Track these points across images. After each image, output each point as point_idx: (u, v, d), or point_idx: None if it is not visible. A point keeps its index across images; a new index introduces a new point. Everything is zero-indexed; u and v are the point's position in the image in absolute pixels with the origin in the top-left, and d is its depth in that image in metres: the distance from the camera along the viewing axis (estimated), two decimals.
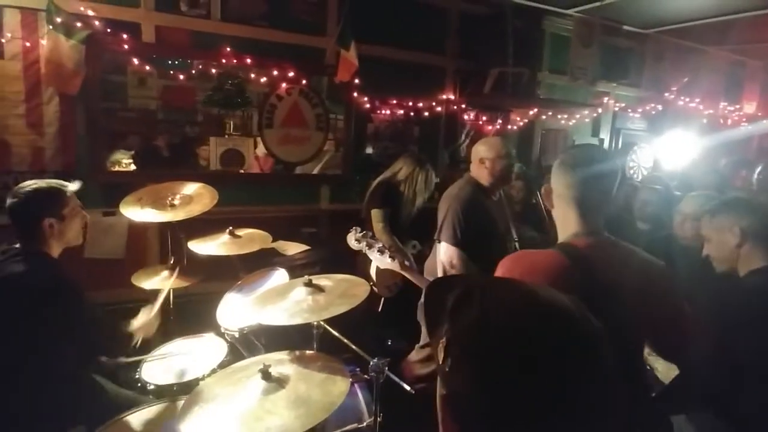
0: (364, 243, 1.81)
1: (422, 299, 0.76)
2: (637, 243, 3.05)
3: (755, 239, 1.63)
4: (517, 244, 2.51)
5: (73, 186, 1.79)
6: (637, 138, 5.47)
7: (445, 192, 2.43)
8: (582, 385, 0.53)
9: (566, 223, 1.29)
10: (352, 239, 1.88)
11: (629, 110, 5.18)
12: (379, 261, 1.81)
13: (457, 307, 0.60)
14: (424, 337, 2.53)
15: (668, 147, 5.37)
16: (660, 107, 5.21)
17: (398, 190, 3.10)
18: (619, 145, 5.34)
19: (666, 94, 5.14)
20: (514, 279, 0.65)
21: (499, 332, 0.55)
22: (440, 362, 0.60)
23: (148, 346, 2.07)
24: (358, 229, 1.88)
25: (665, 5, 3.93)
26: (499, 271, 1.24)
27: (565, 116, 4.72)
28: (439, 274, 2.27)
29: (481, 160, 2.35)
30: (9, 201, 1.68)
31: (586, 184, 1.25)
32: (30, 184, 1.71)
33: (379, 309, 2.67)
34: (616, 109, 5.11)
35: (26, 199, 1.67)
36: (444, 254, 2.27)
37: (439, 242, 2.31)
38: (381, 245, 1.85)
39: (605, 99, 4.94)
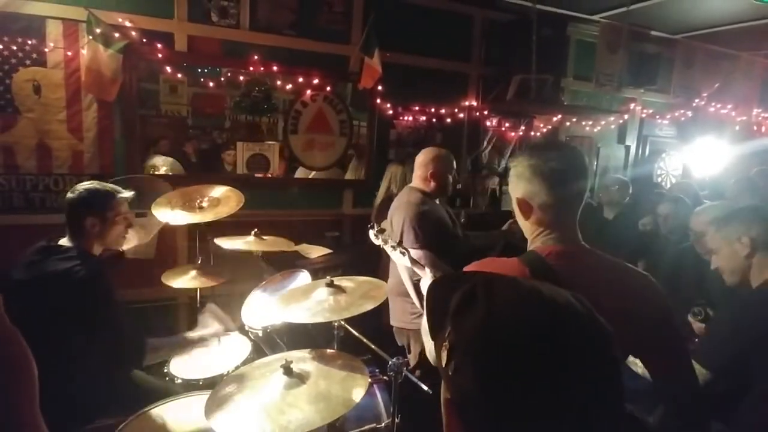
0: (381, 238, 1.85)
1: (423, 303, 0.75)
2: (664, 254, 2.95)
3: (766, 249, 1.57)
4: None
5: (126, 194, 1.91)
6: (666, 145, 5.36)
7: (393, 203, 2.46)
8: (590, 382, 0.53)
9: (537, 232, 1.19)
10: (372, 235, 1.92)
11: (657, 117, 5.08)
12: (393, 256, 1.84)
13: (461, 308, 0.60)
14: (413, 359, 2.48)
15: (698, 154, 5.25)
16: (690, 114, 5.09)
17: None
18: (647, 153, 5.24)
19: (696, 101, 5.03)
20: (516, 277, 0.65)
21: (505, 331, 0.55)
22: (443, 365, 0.59)
23: None
24: (376, 225, 1.92)
25: (695, 10, 3.86)
26: None
27: (590, 123, 4.67)
28: (407, 282, 2.28)
29: (432, 175, 2.40)
30: (67, 196, 1.81)
31: (570, 199, 1.16)
32: (87, 184, 1.84)
33: None
34: (644, 115, 5.02)
35: (77, 196, 1.79)
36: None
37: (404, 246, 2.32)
38: (394, 241, 1.88)
39: (632, 105, 4.86)
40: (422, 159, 2.45)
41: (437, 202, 2.49)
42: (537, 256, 1.13)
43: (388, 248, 1.83)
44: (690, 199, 3.07)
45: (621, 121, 4.83)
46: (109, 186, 1.89)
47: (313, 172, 3.72)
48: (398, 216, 2.34)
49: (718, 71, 4.93)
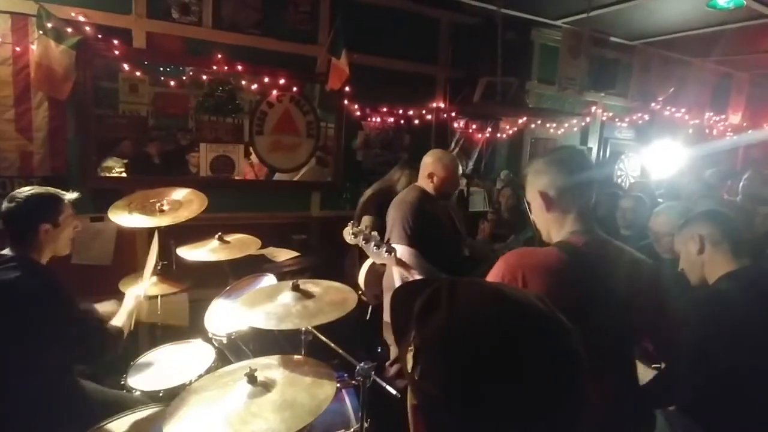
0: (361, 237, 1.80)
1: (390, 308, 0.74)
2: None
3: (714, 245, 1.69)
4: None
5: (70, 195, 1.82)
6: (625, 147, 5.57)
7: (394, 199, 2.53)
8: (554, 378, 0.53)
9: (561, 223, 1.32)
10: (348, 233, 1.87)
11: (617, 120, 5.25)
12: (376, 255, 1.80)
13: (424, 312, 0.59)
14: (393, 354, 2.54)
15: (655, 156, 5.47)
16: (647, 117, 5.29)
17: None
18: (607, 154, 5.42)
19: (652, 104, 5.23)
20: (479, 279, 0.65)
21: (469, 334, 0.54)
22: (409, 370, 0.59)
23: (135, 351, 2.06)
24: (355, 223, 1.89)
25: (652, 17, 4.01)
26: (501, 266, 1.24)
27: (554, 125, 4.78)
28: (395, 277, 2.31)
29: (430, 175, 2.46)
30: (5, 205, 1.68)
31: (582, 185, 1.32)
32: (28, 190, 1.73)
33: (367, 317, 2.67)
34: (604, 118, 5.18)
35: (25, 204, 1.68)
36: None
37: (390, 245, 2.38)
38: (378, 240, 1.85)
39: (593, 108, 5.01)
40: (426, 160, 2.53)
41: (441, 203, 2.53)
42: (571, 245, 1.25)
43: (370, 247, 1.79)
44: (647, 197, 3.20)
45: (583, 124, 4.98)
46: (51, 189, 1.79)
47: (301, 173, 3.64)
48: (393, 212, 2.41)
49: (672, 76, 5.14)
